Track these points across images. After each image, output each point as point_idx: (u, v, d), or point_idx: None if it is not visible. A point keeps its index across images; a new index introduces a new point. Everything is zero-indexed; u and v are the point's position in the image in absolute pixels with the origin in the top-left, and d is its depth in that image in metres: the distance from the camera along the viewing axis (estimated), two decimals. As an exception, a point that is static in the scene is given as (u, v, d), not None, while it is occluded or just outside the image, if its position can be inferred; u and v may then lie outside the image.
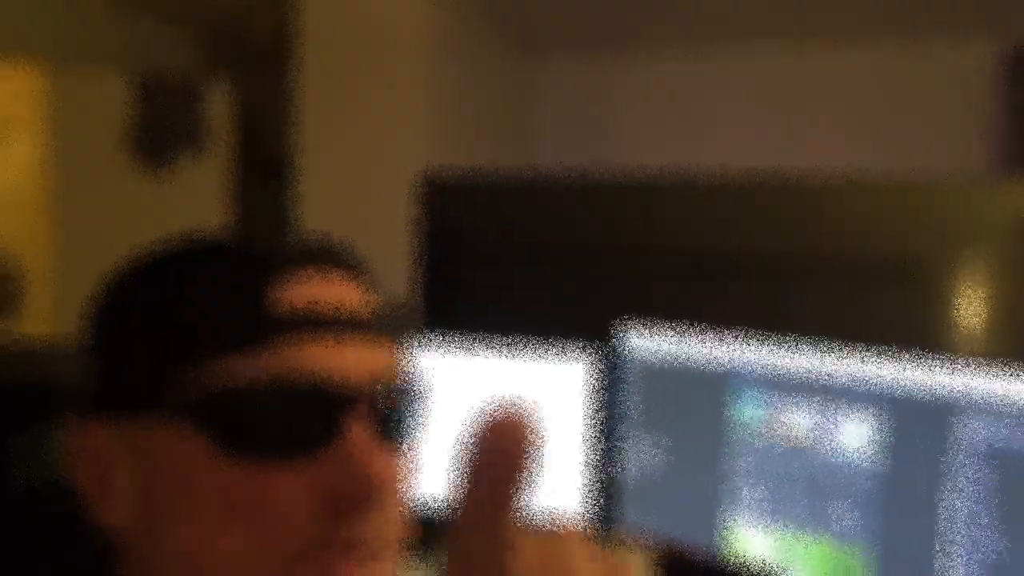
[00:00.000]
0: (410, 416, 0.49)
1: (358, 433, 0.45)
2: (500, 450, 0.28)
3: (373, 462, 0.44)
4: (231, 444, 0.43)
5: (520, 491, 0.29)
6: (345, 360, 0.46)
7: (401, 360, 0.50)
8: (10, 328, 2.30)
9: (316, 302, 0.46)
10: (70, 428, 0.48)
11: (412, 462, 0.51)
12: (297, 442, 0.44)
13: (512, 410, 0.28)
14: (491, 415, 0.28)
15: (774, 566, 1.11)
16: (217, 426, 0.43)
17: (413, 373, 0.50)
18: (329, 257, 0.49)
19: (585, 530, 0.36)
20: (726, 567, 1.16)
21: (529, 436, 0.28)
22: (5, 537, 0.93)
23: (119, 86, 2.46)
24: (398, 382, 0.48)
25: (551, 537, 0.35)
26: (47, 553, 0.91)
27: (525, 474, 0.29)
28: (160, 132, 2.49)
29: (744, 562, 1.14)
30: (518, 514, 0.29)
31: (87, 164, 2.45)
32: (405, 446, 0.49)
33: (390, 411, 0.47)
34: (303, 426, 0.44)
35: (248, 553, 0.43)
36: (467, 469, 0.29)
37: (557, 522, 0.37)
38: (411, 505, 0.50)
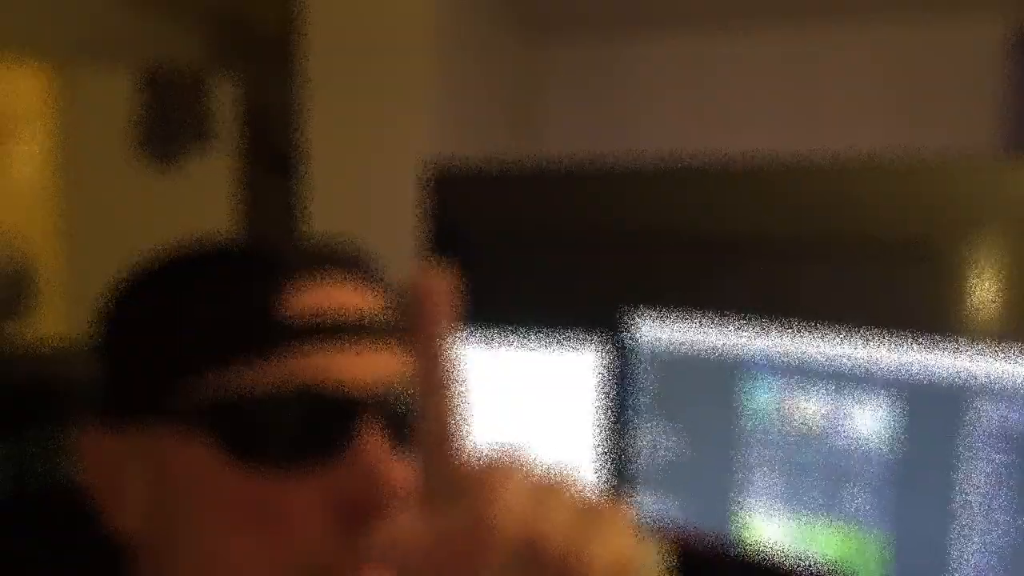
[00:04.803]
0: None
1: (370, 440, 0.44)
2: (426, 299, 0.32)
3: (386, 469, 0.43)
4: (242, 453, 0.43)
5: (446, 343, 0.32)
6: (355, 366, 0.45)
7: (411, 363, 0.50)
8: (24, 328, 2.31)
9: (326, 308, 0.46)
10: (81, 432, 0.48)
11: None
12: (309, 450, 0.43)
13: (428, 273, 0.32)
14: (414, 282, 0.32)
15: (788, 552, 1.11)
16: (228, 434, 0.43)
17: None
18: (338, 261, 0.49)
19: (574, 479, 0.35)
20: (741, 555, 1.16)
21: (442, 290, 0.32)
22: (15, 538, 0.93)
23: (126, 82, 2.46)
24: (409, 386, 0.48)
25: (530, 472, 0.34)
26: (57, 555, 0.92)
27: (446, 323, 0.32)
28: (167, 128, 2.49)
29: (759, 549, 1.14)
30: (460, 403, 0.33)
31: (95, 160, 2.45)
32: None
33: (402, 416, 0.47)
34: (315, 434, 0.44)
35: (262, 563, 0.43)
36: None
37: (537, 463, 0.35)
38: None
